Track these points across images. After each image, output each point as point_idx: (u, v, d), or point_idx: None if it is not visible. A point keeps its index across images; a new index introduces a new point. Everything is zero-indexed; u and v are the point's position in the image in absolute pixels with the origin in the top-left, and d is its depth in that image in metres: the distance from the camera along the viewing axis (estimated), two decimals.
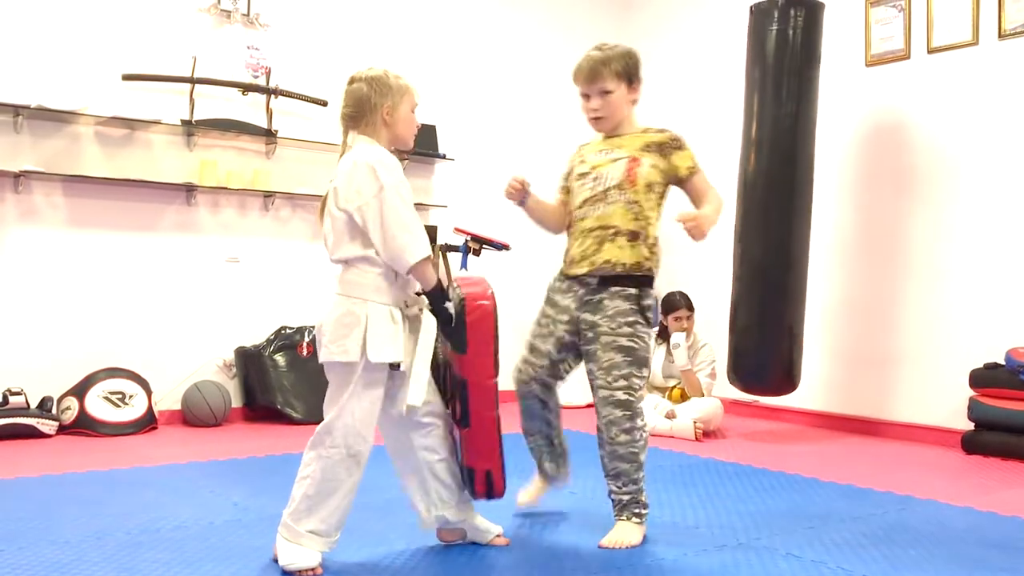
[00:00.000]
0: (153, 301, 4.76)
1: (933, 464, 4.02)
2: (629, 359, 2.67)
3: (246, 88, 4.94)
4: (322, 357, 2.40)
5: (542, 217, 2.91)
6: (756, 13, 4.57)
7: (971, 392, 4.27)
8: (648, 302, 2.73)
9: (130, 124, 4.63)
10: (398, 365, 2.38)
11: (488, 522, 2.65)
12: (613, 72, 2.74)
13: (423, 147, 5.40)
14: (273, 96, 5.03)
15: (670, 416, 4.60)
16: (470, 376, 2.44)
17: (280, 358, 4.90)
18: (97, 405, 4.40)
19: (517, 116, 5.89)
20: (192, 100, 4.78)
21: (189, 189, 4.81)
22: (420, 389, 2.37)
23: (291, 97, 5.06)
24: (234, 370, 4.98)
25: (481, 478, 2.51)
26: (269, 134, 5.01)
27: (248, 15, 5.02)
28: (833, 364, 5.01)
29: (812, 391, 4.94)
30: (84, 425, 4.37)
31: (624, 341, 2.67)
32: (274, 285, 5.11)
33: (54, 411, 4.39)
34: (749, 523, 2.92)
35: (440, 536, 2.64)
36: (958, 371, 4.40)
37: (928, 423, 4.58)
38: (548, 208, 2.90)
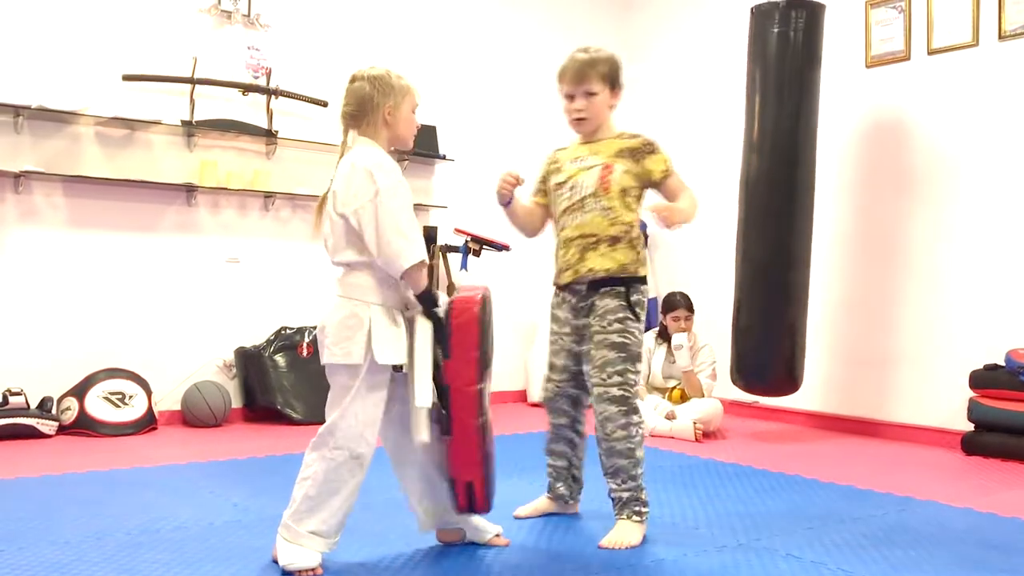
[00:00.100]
0: (153, 301, 4.76)
1: (933, 465, 4.01)
2: (623, 355, 2.71)
3: (246, 89, 4.95)
4: (325, 359, 2.40)
5: (521, 221, 2.94)
6: (757, 14, 4.57)
7: (971, 393, 4.27)
8: (636, 298, 2.77)
9: (130, 124, 4.64)
10: (401, 367, 2.38)
11: (487, 522, 2.65)
12: (599, 74, 2.76)
13: (423, 148, 5.41)
14: (273, 96, 5.03)
15: (670, 417, 4.60)
16: (453, 382, 2.40)
17: (280, 359, 4.90)
18: (97, 405, 4.41)
19: (517, 117, 5.89)
20: (192, 100, 4.79)
21: (189, 189, 4.82)
22: (426, 391, 2.37)
23: (291, 98, 5.06)
24: (234, 370, 4.98)
25: (462, 490, 2.46)
26: (269, 134, 5.01)
27: (248, 16, 5.02)
28: (833, 365, 5.01)
29: (812, 392, 4.94)
30: (84, 425, 4.37)
31: (615, 338, 2.71)
32: (274, 285, 5.11)
33: (54, 411, 4.39)
34: (749, 524, 2.92)
35: (439, 537, 2.64)
36: (958, 372, 4.39)
37: (928, 424, 4.58)
38: (526, 210, 2.93)
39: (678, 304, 4.83)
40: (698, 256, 5.86)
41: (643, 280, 2.81)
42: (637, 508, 2.72)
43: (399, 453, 2.54)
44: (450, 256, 5.54)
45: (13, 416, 4.19)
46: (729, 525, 2.90)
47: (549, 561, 2.52)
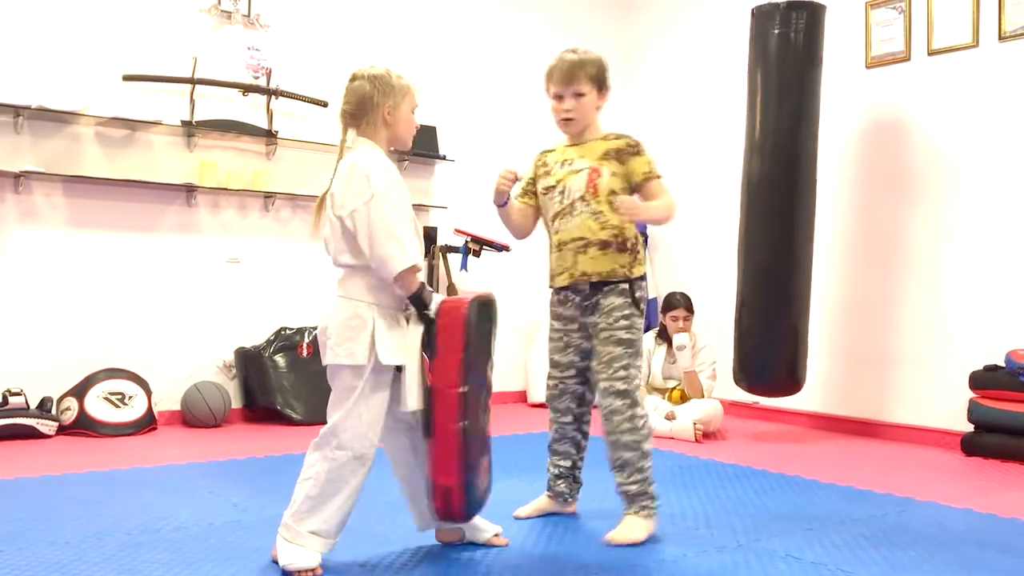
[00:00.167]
0: (153, 302, 4.76)
1: (933, 466, 4.01)
2: (628, 351, 2.75)
3: (247, 89, 4.95)
4: (327, 360, 2.39)
5: (515, 222, 2.95)
6: (758, 15, 4.57)
7: (971, 394, 4.27)
8: (640, 294, 2.82)
9: (131, 125, 4.64)
10: (403, 368, 2.38)
11: (486, 521, 2.65)
12: (588, 75, 2.78)
13: (423, 148, 5.41)
14: (273, 97, 5.03)
15: (670, 417, 4.60)
16: (435, 383, 2.38)
17: (280, 359, 4.90)
18: (97, 406, 4.40)
19: (517, 117, 5.89)
20: (192, 101, 4.79)
21: (189, 190, 4.82)
22: (415, 393, 2.37)
23: (291, 98, 5.06)
24: (234, 371, 4.98)
25: (440, 494, 2.40)
26: (269, 135, 5.01)
27: (249, 16, 5.02)
28: (833, 365, 5.01)
29: (812, 392, 4.94)
30: (84, 426, 4.37)
31: (622, 334, 2.75)
32: (274, 286, 5.11)
33: (54, 411, 4.39)
34: (749, 524, 2.92)
35: (439, 536, 2.64)
36: (958, 373, 4.39)
37: (928, 425, 4.58)
38: (519, 212, 2.95)
39: (677, 304, 4.82)
40: (700, 257, 5.86)
41: (642, 277, 2.84)
42: (645, 503, 2.73)
43: (398, 453, 2.54)
44: (450, 256, 5.54)
45: (13, 416, 4.19)
46: (729, 526, 2.90)
47: (549, 562, 2.52)
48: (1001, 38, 4.38)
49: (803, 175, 4.50)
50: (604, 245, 2.76)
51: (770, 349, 4.52)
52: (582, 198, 2.77)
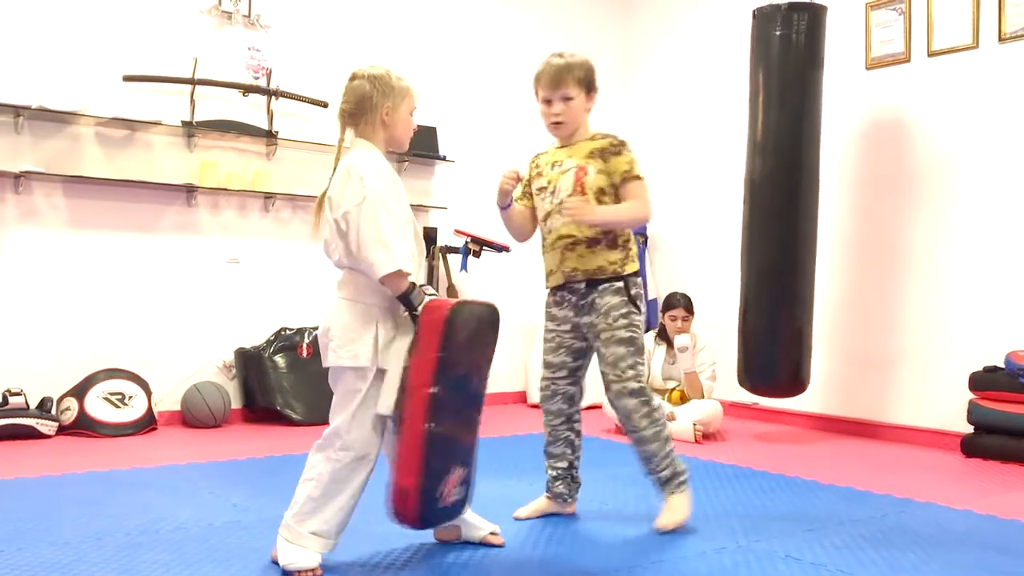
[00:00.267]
0: (153, 302, 4.77)
1: (932, 467, 4.01)
2: (632, 348, 2.80)
3: (247, 89, 4.95)
4: (330, 362, 2.39)
5: (516, 225, 2.98)
6: (759, 17, 4.57)
7: (970, 395, 4.27)
8: (636, 291, 2.85)
9: (131, 125, 4.64)
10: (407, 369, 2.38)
11: (482, 519, 2.66)
12: (575, 79, 2.81)
13: (423, 149, 5.41)
14: (274, 97, 5.04)
15: (670, 418, 4.58)
16: (410, 379, 2.33)
17: (280, 359, 4.90)
18: (97, 406, 4.41)
19: (517, 118, 5.88)
20: (193, 101, 4.79)
21: (189, 190, 4.82)
22: (390, 397, 2.34)
23: (292, 98, 5.07)
24: (234, 371, 4.98)
25: (396, 493, 2.33)
26: (269, 135, 5.01)
27: (249, 16, 5.02)
28: (833, 366, 5.00)
29: (812, 393, 4.93)
30: (84, 426, 4.37)
31: (623, 333, 2.79)
32: (274, 286, 5.11)
33: (54, 412, 4.39)
34: (748, 525, 2.92)
35: (436, 536, 2.65)
36: (957, 374, 4.39)
37: (927, 426, 4.58)
38: (520, 214, 2.97)
39: (677, 304, 4.82)
40: (701, 258, 5.86)
41: (636, 274, 2.87)
42: (679, 481, 2.86)
43: (394, 453, 2.54)
44: (450, 257, 5.54)
45: (13, 416, 4.19)
46: (728, 526, 2.90)
47: (548, 563, 2.52)
48: (1001, 39, 4.38)
49: (805, 176, 4.50)
50: (592, 242, 2.80)
51: (775, 350, 4.52)
52: (570, 197, 2.79)
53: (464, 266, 5.32)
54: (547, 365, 2.94)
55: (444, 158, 5.57)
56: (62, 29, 4.52)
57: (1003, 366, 4.18)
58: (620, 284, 2.81)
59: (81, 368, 4.52)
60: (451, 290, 5.47)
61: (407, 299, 2.34)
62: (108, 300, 4.65)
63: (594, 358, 2.92)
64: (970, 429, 4.27)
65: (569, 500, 3.02)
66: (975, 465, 4.05)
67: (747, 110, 4.67)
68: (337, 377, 2.41)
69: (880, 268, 4.85)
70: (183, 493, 3.21)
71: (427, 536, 2.65)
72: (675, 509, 2.85)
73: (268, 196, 5.05)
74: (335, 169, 2.43)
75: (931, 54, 4.64)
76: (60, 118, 4.46)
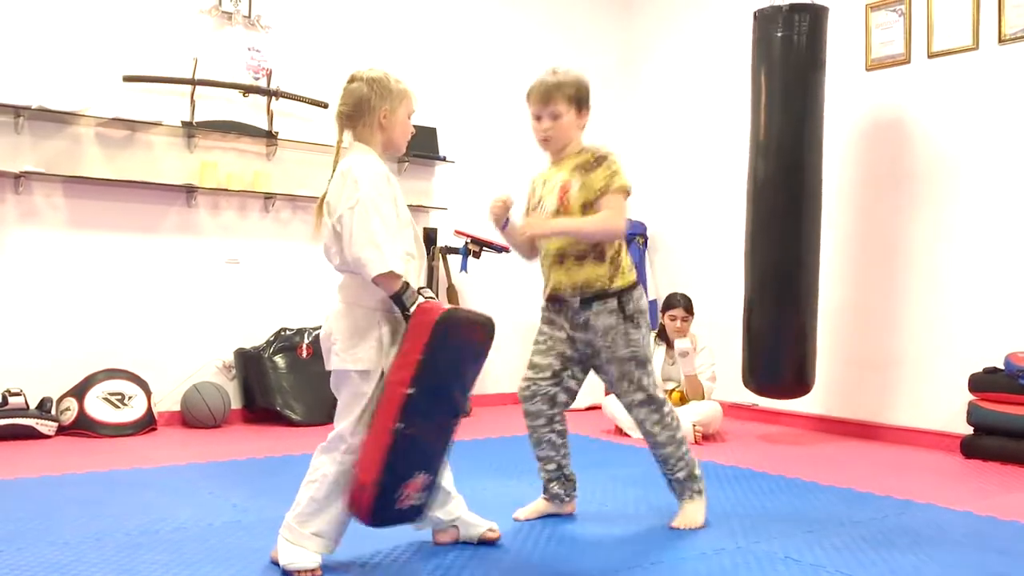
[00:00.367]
0: (153, 302, 4.77)
1: (932, 468, 4.01)
2: (634, 363, 2.82)
3: (247, 90, 4.95)
4: (334, 366, 2.39)
5: (516, 244, 3.01)
6: (760, 18, 4.57)
7: (970, 396, 4.27)
8: (632, 307, 2.83)
9: (131, 125, 4.64)
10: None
11: (479, 517, 2.66)
12: (565, 96, 2.81)
13: (423, 150, 5.41)
14: (274, 98, 5.04)
15: None
16: (389, 376, 2.31)
17: (280, 360, 4.90)
18: (96, 406, 4.41)
19: (517, 119, 5.86)
20: (193, 102, 4.79)
21: (189, 190, 4.82)
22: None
23: (292, 99, 5.07)
24: (234, 371, 4.98)
25: (355, 487, 2.30)
26: (270, 136, 5.01)
27: (249, 17, 5.03)
28: (833, 368, 5.00)
29: (812, 395, 4.92)
30: (83, 426, 4.37)
31: (621, 352, 2.82)
32: (274, 287, 5.11)
33: (53, 412, 4.39)
34: (748, 526, 2.92)
35: (436, 539, 2.65)
36: (957, 375, 4.39)
37: (927, 427, 4.58)
38: (521, 233, 2.96)
39: (677, 304, 4.81)
40: (702, 259, 5.86)
41: (632, 287, 2.85)
42: (696, 487, 2.90)
43: None
44: (450, 258, 5.54)
45: (12, 416, 4.19)
46: (728, 527, 2.90)
47: (547, 564, 2.52)
48: (1001, 40, 4.38)
49: (808, 177, 4.50)
50: (580, 257, 2.81)
51: (780, 351, 4.52)
52: (556, 212, 2.82)
53: (464, 267, 5.32)
54: (532, 366, 2.93)
55: (444, 159, 5.57)
56: (62, 29, 4.52)
57: (1003, 367, 4.18)
58: (614, 303, 2.80)
59: (81, 368, 4.52)
60: (451, 291, 5.47)
61: (399, 299, 2.33)
62: (108, 300, 4.65)
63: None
64: (970, 430, 4.27)
65: (567, 500, 3.02)
66: (975, 466, 4.05)
67: (747, 111, 4.67)
68: (341, 381, 2.40)
69: (880, 269, 4.85)
70: (183, 493, 3.21)
71: (427, 536, 2.65)
72: (690, 515, 2.89)
73: (268, 197, 5.05)
74: (334, 171, 2.44)
75: (931, 55, 4.64)
76: (60, 118, 4.46)
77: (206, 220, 4.94)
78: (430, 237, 5.44)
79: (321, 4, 5.28)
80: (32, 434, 4.24)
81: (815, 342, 4.58)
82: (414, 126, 2.59)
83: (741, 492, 3.43)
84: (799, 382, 4.55)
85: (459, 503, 2.63)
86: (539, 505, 3.01)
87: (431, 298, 2.40)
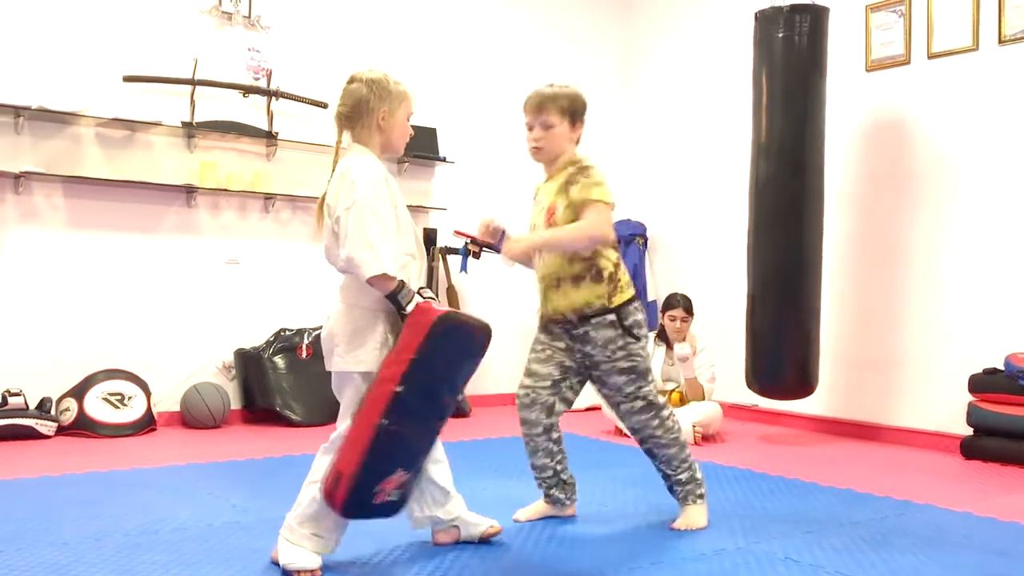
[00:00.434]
0: (153, 302, 4.77)
1: (932, 469, 4.01)
2: (633, 375, 2.83)
3: (247, 90, 4.95)
4: (335, 367, 2.39)
5: (515, 258, 2.95)
6: (761, 19, 4.57)
7: (970, 397, 4.27)
8: (631, 320, 2.82)
9: (131, 126, 4.64)
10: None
11: (479, 516, 2.67)
12: (558, 108, 2.83)
13: (423, 150, 5.41)
14: (274, 98, 5.04)
15: None
16: (380, 371, 2.31)
17: (279, 360, 4.90)
18: (96, 406, 4.40)
19: (517, 119, 5.85)
20: (193, 102, 4.79)
21: (189, 191, 4.82)
22: None
23: (292, 99, 5.07)
24: (233, 372, 4.98)
25: (331, 476, 2.29)
26: (269, 136, 5.01)
27: (249, 17, 5.03)
28: (833, 368, 5.00)
29: (812, 395, 4.94)
30: (83, 426, 4.37)
31: (622, 364, 2.82)
32: (274, 287, 5.11)
33: (53, 412, 4.39)
34: (748, 527, 2.92)
35: (436, 539, 2.65)
36: (957, 376, 4.39)
37: (927, 428, 4.58)
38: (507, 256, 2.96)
39: (676, 304, 4.81)
40: (702, 259, 5.86)
41: (630, 302, 2.84)
42: (698, 491, 2.91)
43: None
44: (450, 258, 5.54)
45: (12, 417, 4.19)
46: (728, 528, 2.90)
47: (548, 563, 2.52)
48: (1001, 41, 4.38)
49: (810, 178, 4.50)
50: (577, 279, 2.79)
51: (783, 352, 4.52)
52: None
53: (464, 267, 5.28)
54: (531, 373, 2.91)
55: (444, 159, 5.57)
56: (62, 29, 4.52)
57: (1003, 368, 4.18)
58: (612, 317, 2.79)
59: (80, 368, 4.52)
60: (451, 291, 5.47)
61: (394, 298, 2.33)
62: (108, 300, 4.65)
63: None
64: (970, 431, 4.27)
65: (567, 503, 3.01)
66: (974, 467, 4.05)
67: (748, 112, 4.67)
68: (343, 382, 2.41)
69: (880, 269, 4.85)
70: (182, 494, 3.21)
71: (428, 536, 2.65)
72: (692, 518, 2.90)
73: (268, 197, 5.05)
74: (333, 172, 2.44)
75: (931, 56, 4.64)
76: (60, 118, 4.46)
77: (206, 220, 4.94)
78: (430, 237, 5.43)
79: (321, 4, 5.29)
80: (32, 434, 4.24)
81: (818, 343, 4.58)
82: (413, 127, 2.60)
83: (741, 493, 3.43)
84: (802, 383, 4.55)
85: (459, 503, 2.63)
86: (540, 507, 3.01)
87: (430, 298, 2.40)
